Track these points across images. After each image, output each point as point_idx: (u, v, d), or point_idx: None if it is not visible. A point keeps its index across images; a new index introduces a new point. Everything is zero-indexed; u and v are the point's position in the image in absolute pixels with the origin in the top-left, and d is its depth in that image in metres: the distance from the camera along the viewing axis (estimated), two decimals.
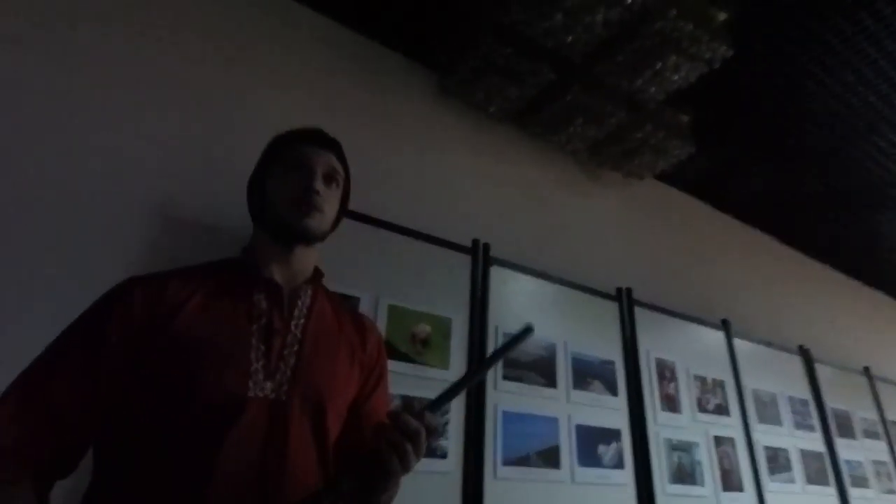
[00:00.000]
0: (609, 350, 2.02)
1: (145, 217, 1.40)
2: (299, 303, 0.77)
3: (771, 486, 2.23)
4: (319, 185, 0.78)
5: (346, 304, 0.90)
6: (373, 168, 1.88)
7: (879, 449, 2.99)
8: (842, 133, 2.59)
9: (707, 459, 2.07)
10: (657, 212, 2.87)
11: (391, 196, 1.85)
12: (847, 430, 2.84)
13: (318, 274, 0.83)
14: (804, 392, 2.76)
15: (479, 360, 0.70)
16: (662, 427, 2.00)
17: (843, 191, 3.12)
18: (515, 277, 1.92)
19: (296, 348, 0.72)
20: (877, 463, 2.90)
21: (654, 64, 1.87)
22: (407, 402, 0.63)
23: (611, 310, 2.12)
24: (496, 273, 1.85)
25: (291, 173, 0.79)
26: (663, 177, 2.93)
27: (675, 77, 1.93)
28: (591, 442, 1.79)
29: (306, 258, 0.81)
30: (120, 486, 0.60)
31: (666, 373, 2.13)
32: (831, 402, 2.82)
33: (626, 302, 2.14)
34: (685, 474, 1.98)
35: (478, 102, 2.12)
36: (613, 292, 2.16)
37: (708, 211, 3.22)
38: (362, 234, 1.59)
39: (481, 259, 1.82)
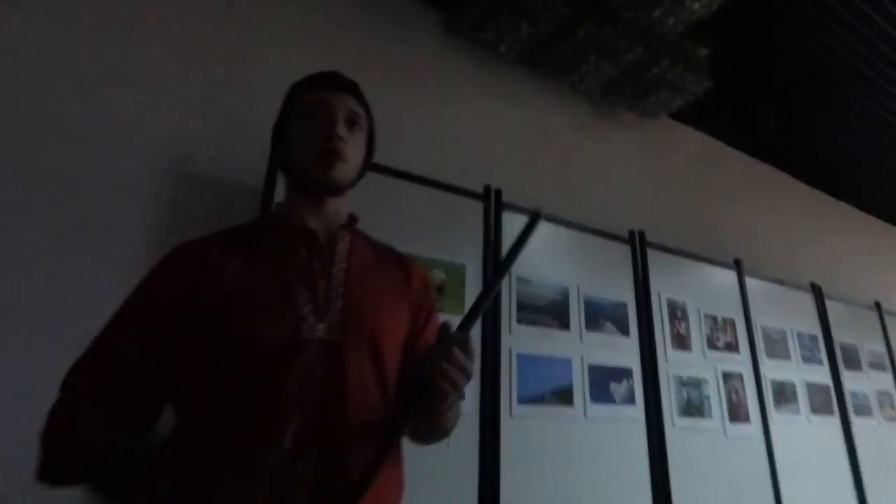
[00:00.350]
0: (621, 292, 2.04)
1: (160, 174, 1.40)
2: (338, 248, 0.76)
3: (777, 417, 2.32)
4: (341, 129, 0.75)
5: (386, 245, 0.87)
6: (378, 114, 1.83)
7: (884, 380, 3.06)
8: (861, 73, 2.47)
9: (715, 394, 2.14)
10: (671, 152, 2.80)
11: (398, 142, 1.81)
12: (854, 363, 2.90)
13: (352, 219, 0.82)
14: (814, 328, 2.79)
15: (494, 267, 0.66)
16: (673, 365, 2.06)
17: (861, 128, 3.02)
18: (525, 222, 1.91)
19: (341, 290, 0.72)
20: (881, 393, 2.98)
21: None
22: (443, 326, 0.65)
23: (623, 252, 2.12)
24: (509, 218, 1.84)
25: (311, 121, 0.76)
26: (677, 115, 2.84)
27: (696, 5, 1.82)
28: (604, 380, 1.85)
29: (338, 205, 0.79)
30: (195, 437, 0.64)
31: (677, 313, 2.16)
32: (840, 337, 2.86)
33: (638, 245, 2.14)
34: (694, 408, 2.05)
35: (487, 42, 2.03)
36: (626, 235, 2.15)
37: (722, 149, 3.14)
38: (371, 182, 1.58)
39: (493, 205, 1.81)
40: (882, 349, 3.17)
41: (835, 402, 2.66)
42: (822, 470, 2.46)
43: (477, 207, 1.80)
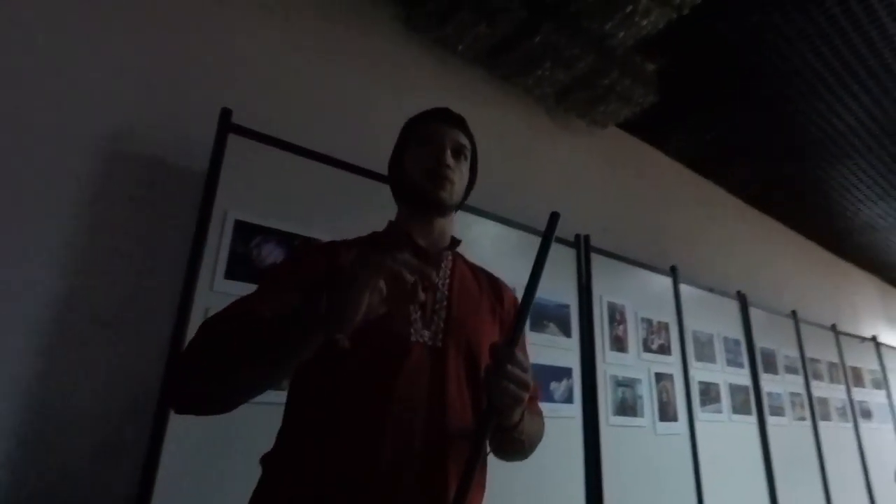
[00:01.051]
0: (565, 294, 2.10)
1: (98, 149, 1.30)
2: (443, 265, 0.85)
3: (701, 415, 2.47)
4: (449, 158, 0.84)
5: (480, 267, 0.96)
6: (331, 104, 1.80)
7: (797, 382, 3.33)
8: (797, 89, 2.67)
9: (648, 394, 2.25)
10: (617, 160, 2.92)
11: (349, 134, 1.79)
12: (771, 367, 3.14)
13: (454, 242, 0.90)
14: (738, 333, 2.99)
15: (532, 276, 0.71)
16: (610, 365, 2.14)
17: (792, 145, 3.26)
18: (479, 222, 1.93)
19: (445, 303, 0.81)
20: (793, 394, 3.24)
21: (625, 6, 1.83)
22: (492, 346, 0.70)
23: (569, 256, 2.19)
24: (460, 218, 1.84)
25: (424, 148, 0.86)
26: (625, 126, 2.96)
27: (645, 22, 1.91)
28: (544, 379, 1.90)
29: (444, 227, 0.88)
30: (310, 425, 0.71)
31: (617, 315, 2.25)
32: (760, 342, 3.09)
33: (583, 249, 2.21)
34: (628, 407, 2.15)
35: (446, 39, 2.03)
36: (572, 239, 2.21)
37: (664, 160, 3.31)
38: (318, 173, 1.54)
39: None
40: (796, 354, 3.44)
41: (753, 402, 2.87)
42: (740, 465, 2.65)
43: None
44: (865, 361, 4.29)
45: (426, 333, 0.76)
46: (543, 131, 2.54)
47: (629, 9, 1.84)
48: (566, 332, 2.04)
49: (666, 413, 2.29)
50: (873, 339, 4.56)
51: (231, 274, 1.30)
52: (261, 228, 1.38)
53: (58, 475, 1.11)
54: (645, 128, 3.02)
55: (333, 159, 1.56)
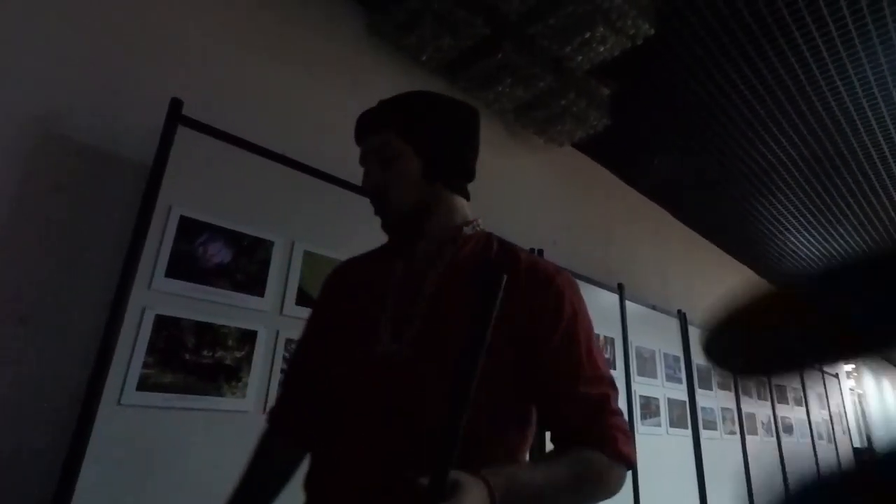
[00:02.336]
0: None
1: (27, 130, 1.20)
2: (436, 264, 0.74)
3: (642, 429, 2.55)
4: (373, 176, 0.76)
5: (513, 248, 0.78)
6: (291, 106, 1.76)
7: (729, 398, 3.52)
8: (732, 124, 2.87)
9: None
10: (571, 179, 3.01)
11: (307, 135, 1.76)
12: (706, 383, 3.30)
13: (457, 231, 0.76)
14: (677, 350, 3.14)
15: (468, 350, 0.50)
16: None
17: (728, 176, 3.49)
18: None
19: (423, 310, 0.70)
20: (724, 409, 3.42)
21: (583, 32, 1.91)
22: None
23: None
24: None
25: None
26: (580, 146, 3.07)
27: (601, 49, 1.99)
28: None
29: (432, 224, 0.76)
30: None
31: None
32: (697, 359, 3.24)
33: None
34: None
35: (409, 48, 2.04)
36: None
37: (615, 181, 3.45)
38: (270, 172, 1.50)
39: None
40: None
41: (689, 416, 3.00)
42: (675, 476, 2.75)
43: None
44: (789, 381, 4.60)
45: (395, 348, 0.68)
46: (502, 145, 2.59)
47: (587, 35, 1.91)
48: None
49: None
50: None
51: (173, 272, 1.24)
52: (207, 226, 1.32)
53: None
54: (598, 149, 3.14)
55: (286, 158, 1.52)
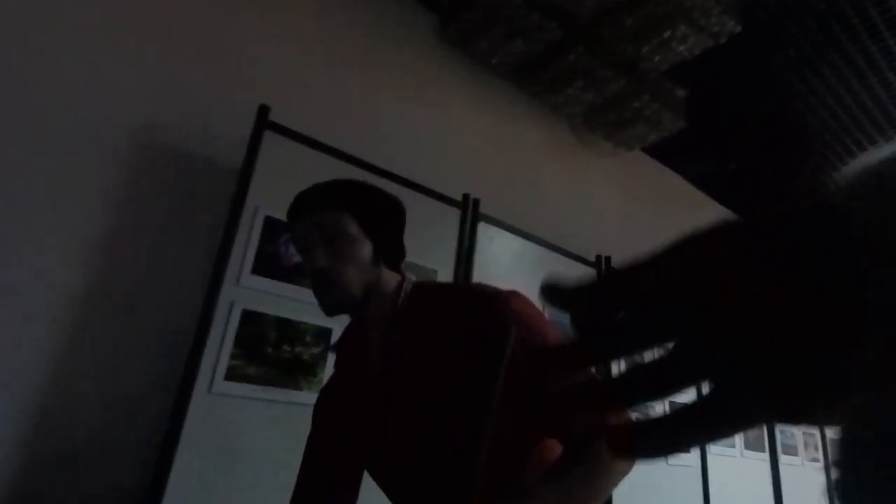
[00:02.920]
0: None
1: (127, 139, 1.31)
2: (391, 351, 0.74)
3: (714, 449, 2.41)
4: (319, 259, 0.71)
5: (460, 293, 0.79)
6: (365, 111, 1.81)
7: None
8: (811, 134, 2.66)
9: None
10: (639, 184, 2.91)
11: (382, 141, 1.80)
12: None
13: (395, 296, 0.76)
14: None
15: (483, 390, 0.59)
16: None
17: (803, 187, 3.24)
18: (502, 235, 1.92)
19: (395, 401, 0.73)
20: (807, 434, 3.16)
21: (662, 32, 1.84)
22: None
23: (588, 275, 2.16)
24: (483, 229, 1.84)
25: (301, 258, 0.75)
26: (650, 150, 2.96)
27: (681, 48, 1.91)
28: None
29: (380, 300, 0.75)
30: None
31: None
32: None
33: (603, 268, 2.19)
34: None
35: (480, 53, 2.05)
36: (593, 259, 2.20)
37: (687, 188, 3.29)
38: (350, 175, 1.54)
39: (470, 214, 1.81)
40: None
41: (766, 439, 2.80)
42: (748, 499, 2.57)
43: (453, 214, 1.79)
44: None
45: (389, 444, 0.73)
46: (568, 149, 2.54)
47: (666, 34, 1.84)
48: None
49: None
50: None
51: (258, 270, 1.30)
52: (289, 227, 1.38)
53: (70, 454, 1.10)
54: (670, 154, 3.01)
55: (363, 161, 1.57)
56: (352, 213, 0.74)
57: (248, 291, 1.28)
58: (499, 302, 0.70)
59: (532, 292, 1.70)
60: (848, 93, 2.40)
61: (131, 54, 1.36)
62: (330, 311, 0.73)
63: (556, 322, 0.72)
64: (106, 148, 1.27)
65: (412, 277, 0.79)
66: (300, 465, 0.83)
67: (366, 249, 0.74)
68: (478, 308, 0.70)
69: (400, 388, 0.72)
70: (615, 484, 0.66)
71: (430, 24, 2.06)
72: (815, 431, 3.26)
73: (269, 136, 1.38)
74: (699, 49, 1.92)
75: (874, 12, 1.96)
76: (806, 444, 3.11)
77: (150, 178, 1.33)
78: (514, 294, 0.72)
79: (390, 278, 0.77)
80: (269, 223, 1.35)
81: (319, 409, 0.85)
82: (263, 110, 1.39)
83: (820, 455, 3.21)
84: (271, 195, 1.39)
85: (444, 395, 0.69)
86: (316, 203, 0.74)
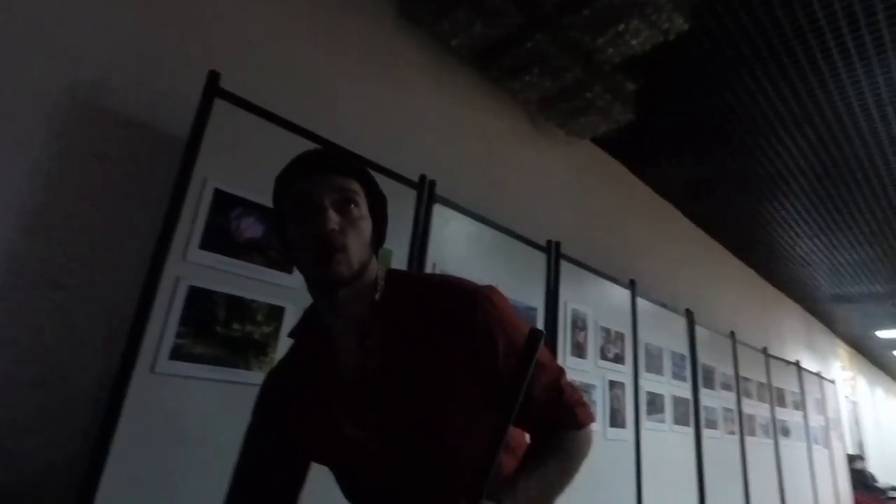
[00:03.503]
0: (533, 297, 2.14)
1: (57, 99, 1.20)
2: (367, 343, 0.70)
3: (647, 424, 2.58)
4: (332, 220, 0.66)
5: (437, 284, 0.75)
6: (322, 84, 1.75)
7: (730, 399, 3.55)
8: (756, 128, 2.86)
9: (601, 400, 2.33)
10: (589, 173, 3.01)
11: (339, 116, 1.76)
12: (710, 382, 3.33)
13: (375, 288, 0.72)
14: (684, 349, 3.16)
15: (506, 398, 0.55)
16: (569, 370, 2.19)
17: (746, 180, 3.48)
18: (457, 218, 1.93)
19: (378, 396, 0.70)
20: (726, 409, 3.45)
21: (617, 24, 1.90)
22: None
23: (539, 260, 2.23)
24: (438, 211, 1.85)
25: (301, 215, 0.68)
26: (600, 141, 3.06)
27: (634, 42, 1.98)
28: None
29: (359, 288, 0.71)
30: None
31: (579, 322, 2.32)
32: (702, 359, 3.27)
33: (554, 254, 2.26)
34: None
35: (441, 34, 2.03)
36: (544, 244, 2.26)
37: (631, 179, 3.44)
38: (298, 148, 1.49)
39: (426, 195, 1.81)
40: (731, 372, 3.67)
41: (692, 414, 3.03)
42: (676, 472, 2.79)
43: (409, 195, 1.78)
44: (788, 384, 4.63)
45: (371, 443, 0.69)
46: (525, 136, 2.58)
47: (621, 27, 1.90)
48: None
49: (616, 419, 2.38)
50: (796, 363, 4.94)
51: (207, 245, 1.24)
52: (241, 200, 1.32)
53: None
54: (618, 145, 3.13)
55: (320, 138, 1.52)
56: (365, 190, 0.72)
57: (196, 267, 1.22)
58: (483, 300, 0.70)
59: (486, 274, 1.77)
60: (776, 94, 2.59)
61: (69, 7, 1.23)
62: (328, 280, 0.66)
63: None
64: (34, 106, 1.16)
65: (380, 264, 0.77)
66: (238, 462, 0.77)
67: (368, 229, 0.72)
68: (463, 306, 0.70)
69: (384, 387, 0.69)
70: (581, 465, 0.74)
71: (393, 1, 2.01)
72: (734, 408, 3.56)
73: (219, 105, 1.31)
74: (650, 44, 2.00)
75: (804, 21, 2.12)
76: (725, 419, 3.39)
77: (87, 142, 1.23)
78: (492, 290, 0.73)
79: (374, 265, 0.74)
80: (220, 196, 1.29)
81: (267, 401, 0.79)
82: (214, 77, 1.31)
83: (736, 428, 3.51)
84: (221, 167, 1.32)
85: (438, 395, 0.68)
86: (337, 167, 0.70)
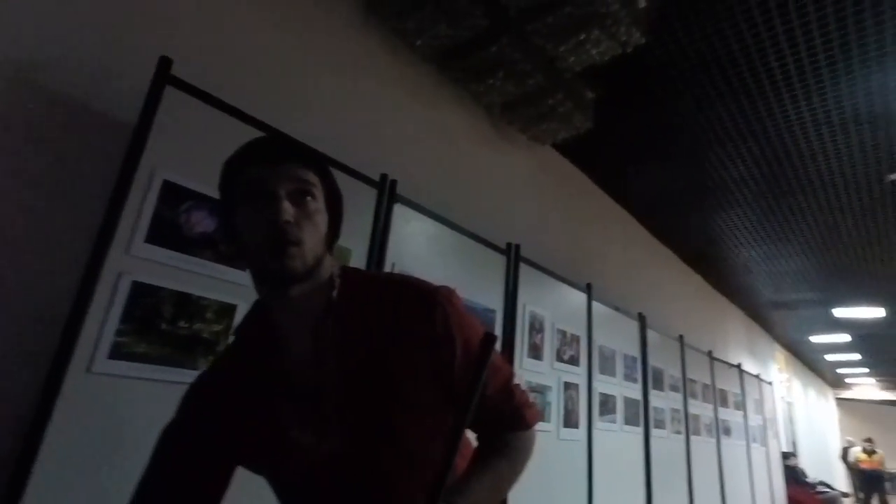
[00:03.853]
0: (492, 299, 2.16)
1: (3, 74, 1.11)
2: (321, 344, 0.67)
3: (599, 424, 2.65)
4: (288, 212, 0.62)
5: (394, 283, 0.73)
6: (281, 77, 1.71)
7: (677, 399, 3.70)
8: (703, 140, 3.00)
9: (556, 401, 2.38)
10: (550, 177, 3.07)
11: (298, 111, 1.72)
12: (659, 384, 3.46)
13: (331, 285, 0.69)
14: (636, 351, 3.27)
15: (463, 400, 0.54)
16: (526, 371, 2.23)
17: (694, 188, 3.65)
18: (417, 218, 1.93)
19: (336, 399, 0.67)
20: (674, 410, 3.59)
21: (579, 33, 1.94)
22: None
23: (499, 262, 2.25)
24: (399, 211, 1.83)
25: (253, 204, 0.63)
26: (560, 147, 3.13)
27: (594, 52, 2.03)
28: None
29: (313, 285, 0.67)
30: None
31: (536, 325, 2.36)
32: (653, 361, 3.39)
33: (513, 257, 2.29)
34: None
35: (406, 32, 2.02)
36: (504, 246, 2.29)
37: (589, 184, 3.54)
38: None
39: (387, 194, 1.79)
40: (679, 374, 3.83)
41: (641, 414, 3.14)
42: (626, 471, 2.88)
43: (369, 193, 1.76)
44: (730, 385, 4.87)
45: (326, 449, 0.66)
46: (486, 139, 2.60)
47: (582, 36, 1.95)
48: None
49: (569, 420, 2.43)
50: (738, 366, 5.20)
51: (154, 239, 1.18)
52: (193, 193, 1.27)
53: None
54: (577, 152, 3.21)
55: (281, 132, 1.48)
56: (322, 182, 0.69)
57: (141, 261, 1.16)
58: (443, 299, 0.70)
59: (446, 275, 1.75)
60: (723, 108, 2.73)
61: None
62: (281, 274, 0.63)
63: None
64: None
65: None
66: (150, 465, 0.71)
67: (324, 223, 0.68)
68: (422, 306, 0.69)
69: (340, 389, 0.67)
70: (526, 464, 0.76)
71: None
72: (681, 408, 3.71)
73: (173, 94, 1.25)
74: (609, 55, 2.06)
75: (751, 43, 2.24)
76: (672, 419, 3.53)
77: (20, 125, 1.14)
78: (450, 291, 0.72)
79: (328, 262, 0.71)
80: (169, 188, 1.23)
81: (198, 400, 0.74)
82: (165, 63, 1.25)
83: (683, 428, 3.66)
84: (172, 157, 1.26)
85: (397, 396, 0.67)
86: (294, 156, 0.66)
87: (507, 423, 0.74)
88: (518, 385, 0.76)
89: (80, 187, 1.19)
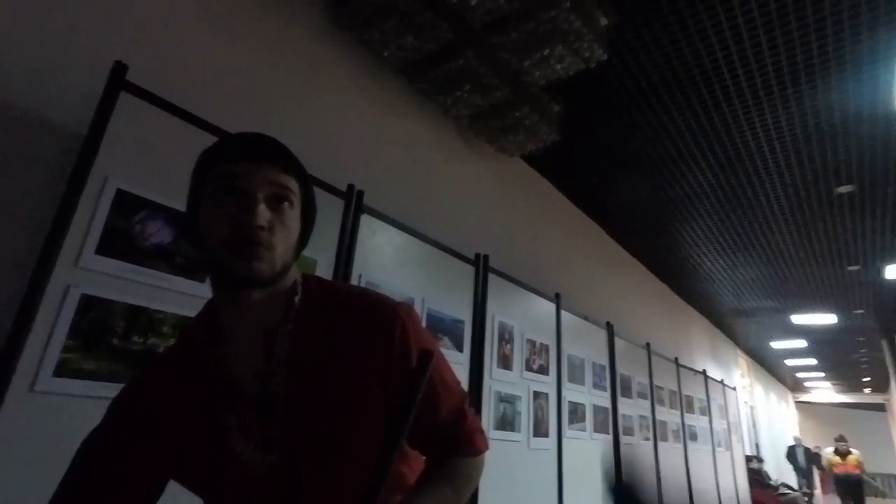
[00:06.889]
0: (461, 310, 2.16)
1: None
2: (276, 350, 0.65)
3: (569, 433, 2.67)
4: (263, 217, 0.59)
5: (357, 296, 0.71)
6: (242, 85, 1.68)
7: (645, 406, 3.77)
8: (666, 153, 3.10)
9: (526, 410, 2.38)
10: (517, 188, 3.11)
11: (262, 120, 1.69)
12: (627, 391, 3.51)
13: (293, 293, 0.67)
14: (604, 359, 3.31)
15: (394, 420, 0.52)
16: (496, 382, 2.23)
17: (658, 200, 3.76)
18: (384, 229, 1.92)
19: (284, 410, 0.64)
20: (641, 417, 3.65)
21: (542, 48, 1.98)
22: None
23: (467, 273, 2.26)
24: (366, 221, 1.82)
25: (225, 201, 0.59)
26: (528, 159, 3.19)
27: (558, 66, 2.08)
28: None
29: (274, 292, 0.64)
30: None
31: (505, 335, 2.37)
32: (620, 369, 3.44)
33: (482, 267, 2.30)
34: (507, 422, 2.25)
35: (371, 43, 2.02)
36: (472, 257, 2.29)
37: (557, 196, 3.60)
38: None
39: (354, 205, 1.78)
40: (647, 381, 3.90)
41: (610, 422, 3.18)
42: (596, 478, 2.90)
43: (336, 205, 1.74)
44: (696, 391, 4.99)
45: (270, 460, 0.64)
46: (455, 150, 2.62)
47: (546, 52, 1.99)
48: (459, 347, 2.09)
49: (539, 429, 2.44)
50: (703, 372, 5.34)
51: (105, 250, 1.13)
52: (147, 203, 1.23)
53: None
54: (545, 163, 3.27)
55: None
56: (299, 181, 0.65)
57: (90, 273, 1.11)
58: (403, 313, 0.69)
59: (414, 286, 1.74)
60: (683, 122, 2.83)
61: None
62: (246, 276, 0.59)
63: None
64: None
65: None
66: (67, 476, 0.64)
67: (297, 232, 0.65)
68: (382, 318, 0.68)
69: (290, 399, 0.64)
70: (472, 489, 0.74)
71: (323, 3, 1.98)
72: (648, 415, 3.78)
73: (125, 99, 1.21)
74: (573, 70, 2.12)
75: (707, 62, 2.34)
76: (640, 426, 3.59)
77: None
78: (409, 307, 0.72)
79: (293, 271, 0.68)
80: (122, 197, 1.18)
81: (130, 405, 0.68)
82: (120, 68, 1.22)
83: (651, 434, 3.72)
84: (126, 166, 1.22)
85: (349, 409, 0.65)
86: (279, 158, 0.63)
87: (457, 447, 0.72)
88: (472, 409, 0.74)
89: (26, 196, 1.14)
